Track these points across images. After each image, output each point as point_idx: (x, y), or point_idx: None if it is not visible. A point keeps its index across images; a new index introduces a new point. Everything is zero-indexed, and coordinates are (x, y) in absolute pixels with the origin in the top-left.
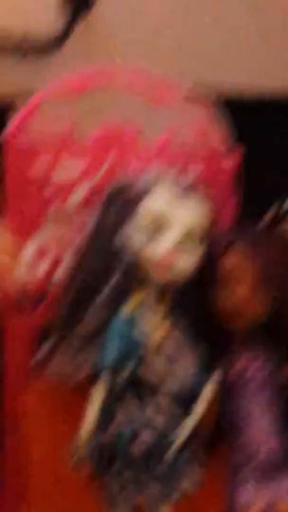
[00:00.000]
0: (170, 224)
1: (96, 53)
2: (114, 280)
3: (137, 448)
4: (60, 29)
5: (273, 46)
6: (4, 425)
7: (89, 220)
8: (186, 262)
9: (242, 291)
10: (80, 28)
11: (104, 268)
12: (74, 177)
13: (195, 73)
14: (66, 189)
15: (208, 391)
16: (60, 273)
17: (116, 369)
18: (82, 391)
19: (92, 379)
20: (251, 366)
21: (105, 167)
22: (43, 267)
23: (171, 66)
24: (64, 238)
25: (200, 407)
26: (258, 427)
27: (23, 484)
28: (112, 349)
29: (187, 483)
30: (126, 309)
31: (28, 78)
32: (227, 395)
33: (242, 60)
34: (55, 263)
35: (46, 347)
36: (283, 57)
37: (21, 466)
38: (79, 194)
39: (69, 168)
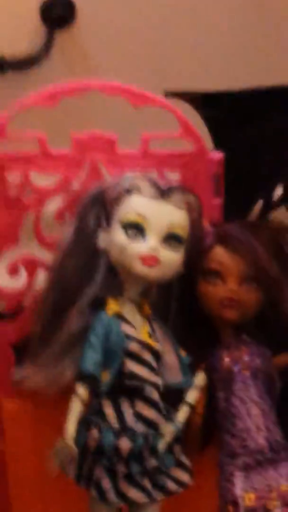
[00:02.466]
0: (152, 224)
1: (76, 69)
2: (96, 280)
3: (123, 448)
4: (38, 47)
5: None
6: None
7: (69, 226)
8: (171, 258)
9: (229, 286)
10: (59, 45)
11: (86, 269)
12: (49, 190)
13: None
14: (40, 202)
15: (193, 390)
16: (36, 287)
17: (98, 373)
18: (66, 397)
19: (75, 385)
20: (241, 358)
21: (81, 176)
22: (16, 283)
23: (154, 84)
24: (36, 256)
25: (187, 404)
26: (250, 418)
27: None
28: (94, 353)
29: (178, 480)
30: (108, 311)
31: (9, 94)
32: (217, 388)
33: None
34: (28, 280)
35: (25, 360)
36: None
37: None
38: (54, 207)
39: (42, 182)
